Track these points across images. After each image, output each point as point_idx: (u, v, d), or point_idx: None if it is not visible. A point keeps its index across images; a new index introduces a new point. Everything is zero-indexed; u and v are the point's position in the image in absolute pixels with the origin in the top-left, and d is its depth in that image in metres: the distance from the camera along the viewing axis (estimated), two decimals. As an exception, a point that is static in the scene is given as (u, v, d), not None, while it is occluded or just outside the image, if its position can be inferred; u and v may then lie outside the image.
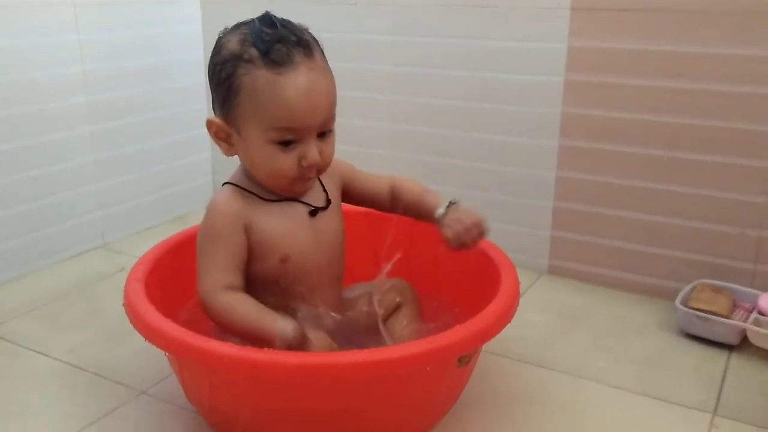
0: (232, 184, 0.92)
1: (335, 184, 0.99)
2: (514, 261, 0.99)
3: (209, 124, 0.89)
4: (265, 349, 0.78)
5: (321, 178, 0.94)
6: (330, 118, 0.87)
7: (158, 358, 0.95)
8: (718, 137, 1.18)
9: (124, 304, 0.88)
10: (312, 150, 0.85)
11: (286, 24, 0.86)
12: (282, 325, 0.82)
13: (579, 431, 0.94)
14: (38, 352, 1.11)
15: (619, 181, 1.28)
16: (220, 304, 0.85)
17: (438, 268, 1.11)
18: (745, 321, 1.12)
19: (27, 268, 1.38)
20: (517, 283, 0.94)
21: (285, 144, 0.85)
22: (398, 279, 1.04)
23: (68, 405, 0.98)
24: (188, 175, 1.71)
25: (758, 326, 1.09)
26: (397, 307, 1.00)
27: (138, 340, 0.84)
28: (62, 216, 1.44)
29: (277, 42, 0.83)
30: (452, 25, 1.37)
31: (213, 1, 1.64)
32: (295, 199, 0.92)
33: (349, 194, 1.02)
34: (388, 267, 0.95)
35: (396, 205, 1.02)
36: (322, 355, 0.81)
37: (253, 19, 0.87)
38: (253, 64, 0.83)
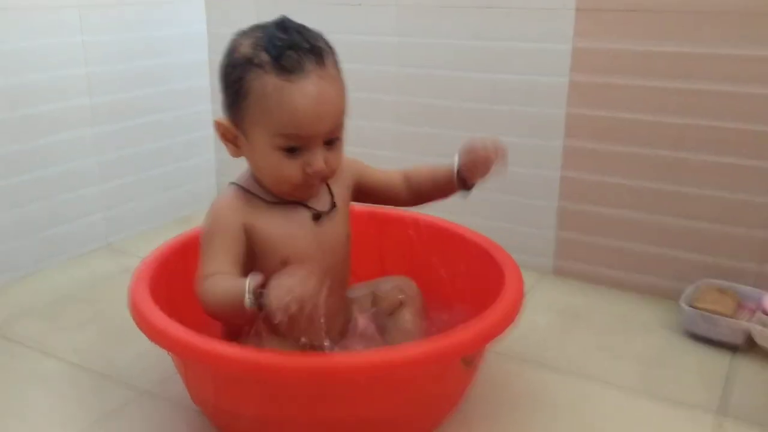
0: (237, 184, 0.92)
1: (345, 185, 0.98)
2: (518, 261, 0.99)
3: (217, 125, 0.89)
4: (269, 349, 0.78)
5: (328, 181, 0.94)
6: (338, 126, 0.87)
7: (162, 358, 0.95)
8: (724, 138, 1.18)
9: (128, 305, 0.89)
10: (317, 158, 0.85)
11: (300, 30, 0.85)
12: (242, 283, 0.77)
13: (583, 432, 0.94)
14: (43, 353, 1.11)
15: (623, 182, 1.28)
16: (202, 288, 0.84)
17: (442, 268, 1.11)
18: (749, 321, 1.12)
19: (32, 269, 1.39)
20: (521, 283, 0.94)
21: (290, 150, 0.84)
22: (401, 277, 1.04)
23: (73, 405, 0.98)
24: (192, 177, 1.72)
25: (763, 326, 1.09)
26: (400, 305, 1.00)
27: (142, 340, 0.85)
28: (67, 217, 1.44)
29: (289, 48, 0.82)
30: (457, 25, 1.37)
31: (217, 3, 1.65)
32: (299, 202, 0.92)
33: (363, 190, 1.01)
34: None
35: (412, 189, 1.01)
36: (325, 356, 0.81)
37: (268, 23, 0.86)
38: (263, 69, 0.82)
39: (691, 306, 1.15)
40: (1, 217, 1.32)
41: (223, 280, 0.83)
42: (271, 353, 0.78)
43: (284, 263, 0.88)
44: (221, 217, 0.89)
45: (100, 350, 1.12)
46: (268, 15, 1.56)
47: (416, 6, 1.40)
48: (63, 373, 1.06)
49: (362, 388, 0.81)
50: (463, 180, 0.96)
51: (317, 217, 0.92)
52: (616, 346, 1.14)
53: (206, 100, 1.70)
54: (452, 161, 0.96)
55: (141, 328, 0.85)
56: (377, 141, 1.49)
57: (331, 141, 0.86)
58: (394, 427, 0.87)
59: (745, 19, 1.12)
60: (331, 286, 0.95)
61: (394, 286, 1.01)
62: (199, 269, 0.86)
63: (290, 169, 0.85)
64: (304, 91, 0.82)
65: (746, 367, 1.08)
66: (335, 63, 0.87)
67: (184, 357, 0.85)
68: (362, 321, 0.99)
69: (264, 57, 0.82)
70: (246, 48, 0.84)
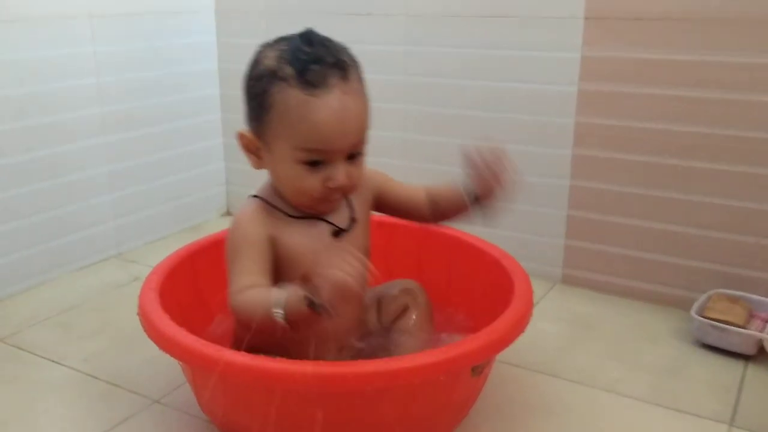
0: (258, 197, 0.92)
1: (365, 198, 0.97)
2: (527, 270, 0.99)
3: (240, 137, 0.89)
4: (278, 358, 0.78)
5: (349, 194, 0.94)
6: (360, 141, 0.86)
7: (172, 367, 0.95)
8: (733, 146, 1.17)
9: (138, 314, 0.89)
10: (339, 172, 0.84)
11: (325, 43, 0.85)
12: (276, 296, 0.78)
13: (594, 442, 0.93)
14: (53, 361, 1.11)
15: (633, 190, 1.28)
16: (238, 302, 0.83)
17: (451, 276, 1.11)
18: (761, 331, 1.11)
19: (42, 278, 1.39)
20: (530, 292, 0.94)
21: (312, 164, 0.84)
22: (409, 280, 1.03)
23: (82, 413, 0.98)
24: (202, 186, 1.72)
25: (775, 336, 1.08)
26: (405, 310, 0.99)
27: (152, 349, 0.85)
28: (77, 226, 1.45)
29: (314, 62, 0.82)
30: (465, 34, 1.37)
31: (227, 13, 1.66)
32: (319, 217, 0.91)
33: (384, 204, 1.00)
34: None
35: (435, 207, 0.99)
36: (334, 365, 0.81)
37: (293, 35, 0.86)
38: (286, 83, 0.82)
39: (701, 315, 1.14)
40: (11, 226, 1.32)
41: (260, 293, 0.82)
42: (279, 362, 0.78)
43: (304, 279, 0.86)
44: (248, 229, 0.88)
45: (110, 359, 1.12)
46: (277, 25, 1.58)
47: (424, 15, 1.40)
48: (73, 381, 1.06)
49: (371, 397, 0.80)
50: (477, 198, 0.93)
51: (337, 233, 0.92)
52: (626, 356, 1.13)
53: (216, 110, 1.71)
54: (461, 179, 0.94)
55: (151, 337, 0.85)
56: (385, 149, 1.49)
57: (354, 155, 0.86)
58: (404, 436, 0.87)
59: (754, 27, 1.12)
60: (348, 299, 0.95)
61: (402, 289, 1.00)
62: (232, 284, 0.85)
63: (311, 183, 0.85)
64: (328, 106, 0.82)
65: (759, 378, 1.07)
66: (359, 77, 0.87)
67: (194, 366, 0.85)
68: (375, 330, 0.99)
69: (288, 70, 0.82)
70: (270, 61, 0.84)
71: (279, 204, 0.90)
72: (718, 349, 1.13)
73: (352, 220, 0.94)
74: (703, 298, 1.20)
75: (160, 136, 1.59)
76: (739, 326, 1.11)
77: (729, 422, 0.96)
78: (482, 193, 0.92)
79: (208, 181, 1.74)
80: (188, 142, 1.66)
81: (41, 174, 1.36)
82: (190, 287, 1.04)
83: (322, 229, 0.91)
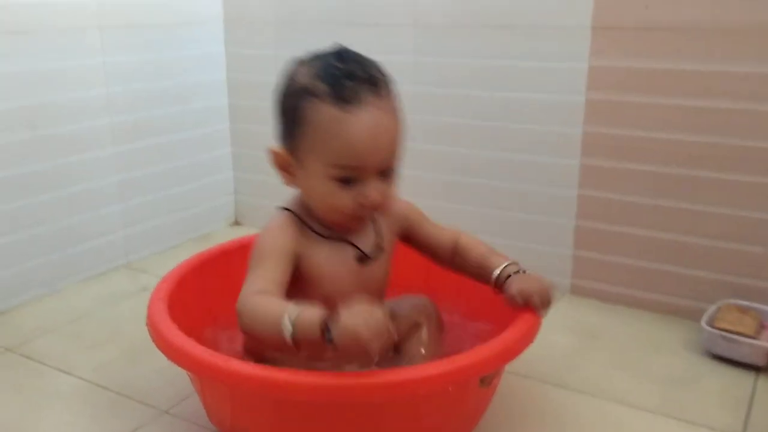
0: (290, 211, 0.91)
1: (394, 228, 0.97)
2: (536, 280, 0.99)
3: (272, 154, 0.89)
4: (286, 369, 0.78)
5: (379, 219, 0.94)
6: (393, 157, 0.86)
7: (180, 377, 0.95)
8: (742, 156, 1.17)
9: (147, 324, 0.89)
10: (371, 189, 0.84)
11: (358, 59, 0.86)
12: (291, 310, 0.76)
13: (603, 453, 0.93)
14: (62, 371, 1.11)
15: (641, 200, 1.28)
16: (247, 304, 0.81)
17: (460, 287, 1.11)
18: (772, 342, 1.11)
19: (51, 288, 1.40)
20: (539, 302, 0.93)
21: (345, 181, 0.84)
22: (420, 296, 1.03)
23: (91, 424, 0.98)
24: (211, 195, 1.73)
25: (786, 347, 1.08)
26: (415, 327, 0.99)
27: (160, 359, 0.85)
28: (86, 235, 1.45)
29: (347, 78, 0.82)
30: (473, 44, 1.37)
31: (236, 24, 1.66)
32: (346, 240, 0.91)
33: (409, 239, 1.00)
34: None
35: (455, 261, 1.00)
36: (342, 376, 0.81)
37: (326, 52, 0.87)
38: (319, 99, 0.82)
39: (711, 326, 1.14)
40: (21, 236, 1.33)
41: (269, 301, 0.81)
42: (288, 372, 0.78)
43: (325, 300, 0.83)
44: (278, 238, 0.88)
45: (118, 369, 1.12)
46: (286, 35, 1.59)
47: (432, 25, 1.41)
48: (81, 391, 1.06)
49: (379, 408, 0.80)
50: (500, 286, 0.94)
51: (362, 259, 0.92)
52: (635, 367, 1.13)
53: (224, 120, 1.72)
54: (498, 268, 0.94)
55: (159, 347, 0.85)
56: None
57: (386, 171, 0.86)
58: (412, 447, 0.86)
59: (762, 36, 1.12)
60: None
61: (412, 306, 1.01)
62: (247, 285, 0.84)
63: (343, 200, 0.85)
64: (361, 123, 0.81)
65: (769, 389, 1.06)
66: (392, 93, 0.87)
67: (202, 376, 0.85)
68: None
69: (321, 87, 0.82)
70: (303, 77, 0.84)
71: (309, 221, 0.90)
72: (729, 360, 1.12)
73: (378, 248, 0.94)
74: (713, 308, 1.19)
75: (169, 146, 1.60)
76: (749, 337, 1.11)
77: (740, 434, 0.96)
78: (511, 296, 0.91)
79: (216, 190, 1.74)
80: (197, 152, 1.67)
81: (50, 184, 1.36)
82: (199, 297, 1.04)
83: (348, 254, 0.91)
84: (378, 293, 0.96)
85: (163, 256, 1.57)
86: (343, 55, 0.86)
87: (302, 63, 0.87)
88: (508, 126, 1.37)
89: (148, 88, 1.53)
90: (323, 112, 0.82)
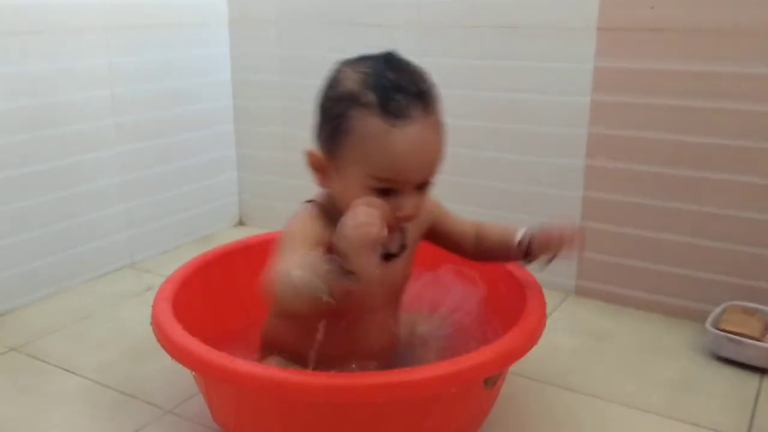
0: (319, 204, 0.90)
1: (420, 227, 0.96)
2: (540, 281, 0.99)
3: (309, 155, 0.87)
4: (291, 369, 0.78)
5: None
6: (434, 173, 0.86)
7: (185, 377, 0.95)
8: (747, 157, 1.17)
9: (151, 324, 0.89)
10: (408, 203, 0.83)
11: (409, 69, 0.84)
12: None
13: (608, 455, 0.92)
14: (66, 371, 1.12)
15: (646, 201, 1.27)
16: (276, 275, 0.78)
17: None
18: (777, 344, 1.10)
19: (55, 288, 1.40)
20: (543, 303, 0.93)
21: (382, 192, 0.82)
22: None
23: (94, 423, 0.98)
24: (215, 196, 1.73)
25: (791, 349, 1.07)
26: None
27: (165, 359, 0.85)
28: (90, 236, 1.45)
29: (396, 91, 0.80)
30: (478, 45, 1.37)
31: (240, 24, 1.67)
32: None
33: (435, 235, 1.00)
34: None
35: (480, 247, 1.00)
36: (346, 376, 0.81)
37: (375, 56, 0.85)
38: (367, 110, 0.80)
39: (716, 328, 1.13)
40: (25, 236, 1.33)
41: (300, 267, 0.77)
42: (292, 372, 0.78)
43: (346, 294, 0.80)
44: (307, 224, 0.87)
45: (122, 369, 1.12)
46: (291, 36, 1.58)
47: (437, 26, 1.41)
48: (86, 391, 1.06)
49: (383, 409, 0.80)
50: (526, 251, 0.95)
51: (387, 257, 0.90)
52: (641, 369, 1.12)
53: (229, 120, 1.72)
54: (519, 232, 0.96)
55: (163, 347, 0.85)
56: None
57: (423, 185, 0.85)
58: (416, 448, 0.86)
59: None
60: (383, 318, 0.95)
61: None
62: (275, 264, 0.81)
63: None
64: (407, 140, 0.80)
65: (775, 391, 1.06)
66: (439, 108, 0.86)
67: (207, 376, 0.85)
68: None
69: (371, 97, 0.80)
70: (351, 83, 0.82)
71: (337, 216, 0.89)
72: (734, 361, 1.12)
73: (403, 246, 0.93)
74: (718, 310, 1.19)
75: (174, 147, 1.60)
76: (754, 339, 1.10)
77: (745, 436, 0.95)
78: (539, 251, 0.93)
79: (220, 191, 1.74)
80: (201, 152, 1.67)
81: (55, 184, 1.37)
82: (203, 297, 1.05)
83: None
84: (398, 288, 0.96)
85: (168, 257, 1.57)
86: (393, 63, 0.84)
87: (349, 66, 0.85)
88: (513, 127, 1.37)
89: (153, 89, 1.53)
90: (369, 124, 0.80)
